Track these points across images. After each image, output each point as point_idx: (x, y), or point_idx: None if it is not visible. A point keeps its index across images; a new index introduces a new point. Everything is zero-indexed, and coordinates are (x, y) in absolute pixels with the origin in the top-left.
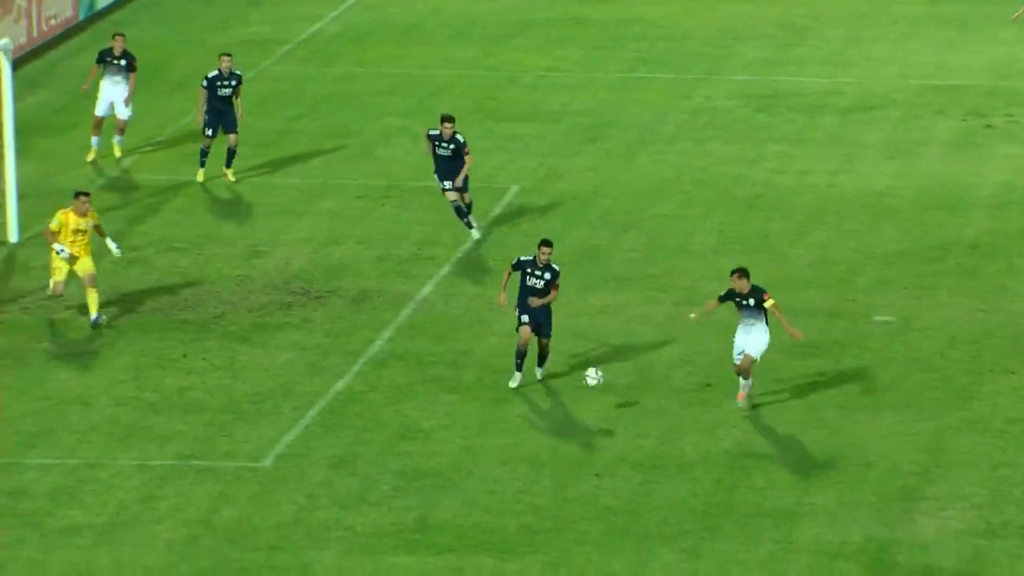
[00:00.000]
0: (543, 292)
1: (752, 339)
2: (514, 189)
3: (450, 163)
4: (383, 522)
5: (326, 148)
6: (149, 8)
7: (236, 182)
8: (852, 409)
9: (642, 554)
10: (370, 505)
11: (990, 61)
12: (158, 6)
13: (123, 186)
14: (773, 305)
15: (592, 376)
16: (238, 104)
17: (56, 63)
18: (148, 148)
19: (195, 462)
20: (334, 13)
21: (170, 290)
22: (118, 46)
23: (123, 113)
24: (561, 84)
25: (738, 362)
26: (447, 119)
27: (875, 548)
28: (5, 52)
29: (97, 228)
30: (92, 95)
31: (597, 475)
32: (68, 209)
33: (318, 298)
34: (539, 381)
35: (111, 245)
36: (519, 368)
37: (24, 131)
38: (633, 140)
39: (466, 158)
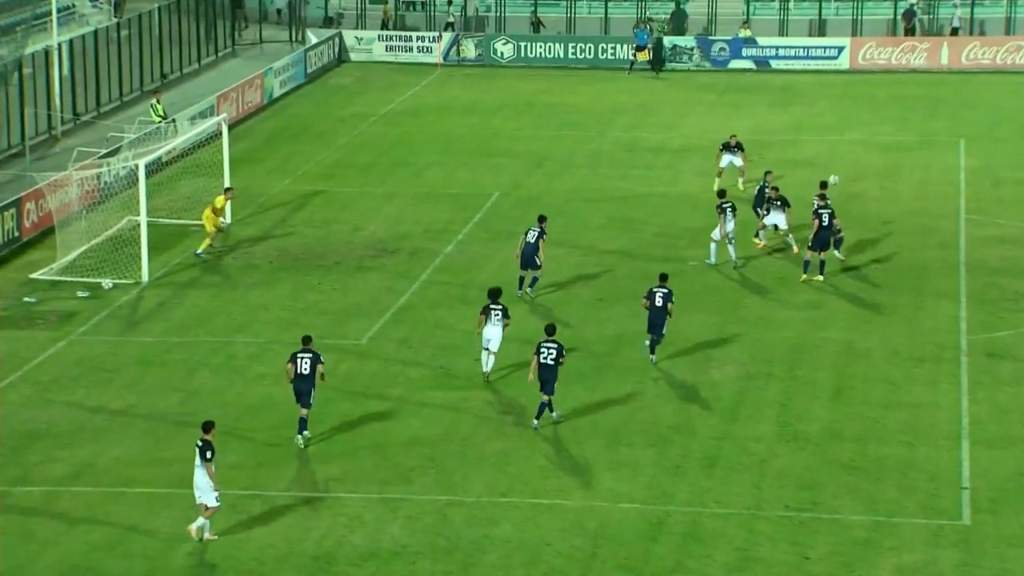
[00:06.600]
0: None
1: None
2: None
3: (532, 249)
4: (426, 375)
5: (394, 170)
6: (304, 96)
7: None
8: None
9: None
10: (419, 365)
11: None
12: (309, 94)
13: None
14: None
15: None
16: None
17: (253, 127)
18: (290, 180)
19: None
20: (400, 98)
21: (307, 247)
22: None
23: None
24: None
25: None
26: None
27: None
28: (224, 121)
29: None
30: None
31: None
32: (222, 196)
33: (391, 252)
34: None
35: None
36: None
37: (233, 164)
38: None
39: (540, 255)
